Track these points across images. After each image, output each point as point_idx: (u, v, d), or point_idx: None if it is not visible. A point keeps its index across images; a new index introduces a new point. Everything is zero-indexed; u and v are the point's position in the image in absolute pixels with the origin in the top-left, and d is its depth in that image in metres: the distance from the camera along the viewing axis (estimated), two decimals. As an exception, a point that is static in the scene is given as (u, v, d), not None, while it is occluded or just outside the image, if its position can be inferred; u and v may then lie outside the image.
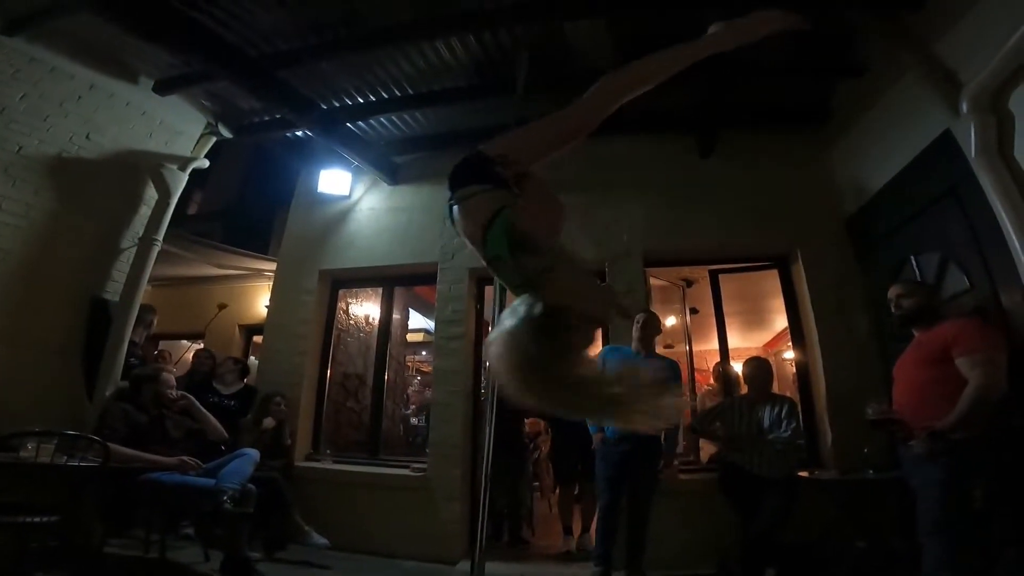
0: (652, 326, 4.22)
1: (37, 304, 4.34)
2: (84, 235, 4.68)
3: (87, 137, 4.66)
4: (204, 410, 4.34)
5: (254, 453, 3.98)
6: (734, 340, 5.65)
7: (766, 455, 3.89)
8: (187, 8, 3.82)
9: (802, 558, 3.75)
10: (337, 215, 6.02)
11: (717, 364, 6.76)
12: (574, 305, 1.47)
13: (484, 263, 1.67)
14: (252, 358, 7.02)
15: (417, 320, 8.47)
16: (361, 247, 5.83)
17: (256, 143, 6.75)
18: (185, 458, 3.79)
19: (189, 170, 5.31)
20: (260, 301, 7.50)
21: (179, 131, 5.29)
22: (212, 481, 3.61)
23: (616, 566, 3.84)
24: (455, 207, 1.77)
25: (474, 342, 5.29)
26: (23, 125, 4.28)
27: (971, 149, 3.13)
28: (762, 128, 5.09)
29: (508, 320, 1.47)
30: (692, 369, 5.87)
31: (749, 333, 9.46)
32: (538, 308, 1.44)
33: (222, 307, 7.60)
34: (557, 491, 5.31)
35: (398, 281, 6.08)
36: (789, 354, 7.19)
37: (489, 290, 5.33)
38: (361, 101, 5.01)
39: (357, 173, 5.93)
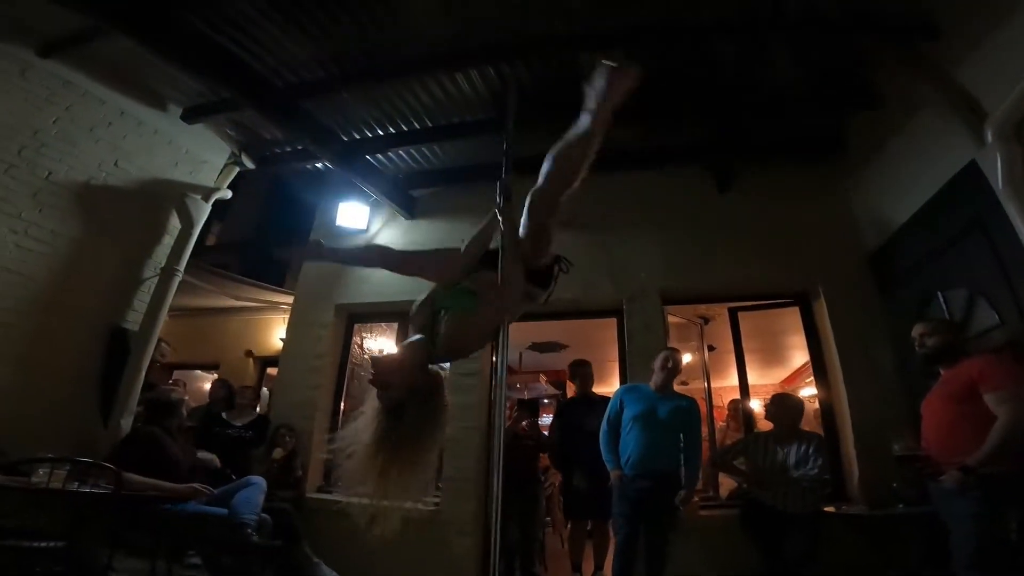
0: (675, 364, 4.17)
1: (57, 331, 4.36)
2: (107, 263, 4.73)
3: (115, 164, 4.75)
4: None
5: (262, 481, 3.93)
6: (752, 377, 5.56)
7: (792, 491, 3.82)
8: (219, 36, 3.94)
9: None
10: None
11: (733, 401, 6.66)
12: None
13: None
14: (265, 389, 7.00)
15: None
16: (377, 282, 5.82)
17: (275, 175, 6.86)
18: (197, 485, 3.74)
19: (212, 200, 5.38)
20: (275, 333, 7.53)
21: (203, 160, 5.39)
22: (225, 511, 3.56)
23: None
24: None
25: (489, 378, 5.24)
26: (54, 150, 4.36)
27: (998, 180, 3.09)
28: (780, 162, 5.09)
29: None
30: (711, 406, 5.77)
31: (766, 370, 9.36)
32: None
33: (249, 354, 7.65)
34: (568, 527, 5.18)
35: (414, 317, 6.05)
36: (807, 391, 7.08)
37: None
38: (380, 133, 5.10)
39: (375, 207, 5.98)
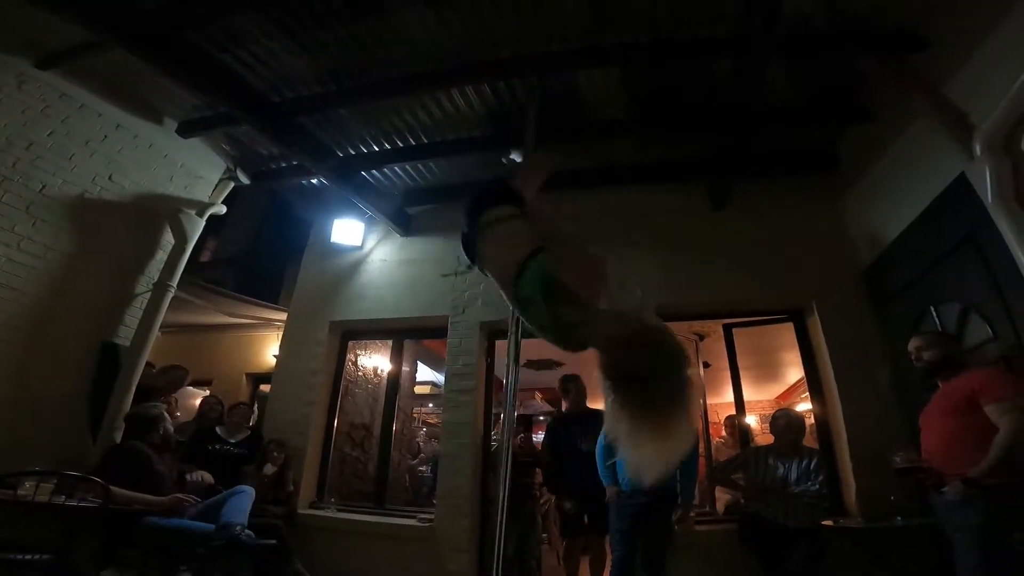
0: None
1: (47, 346, 4.32)
2: (99, 278, 4.70)
3: (110, 178, 4.74)
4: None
5: (250, 490, 3.90)
6: (747, 393, 5.56)
7: (793, 506, 3.81)
8: (218, 51, 3.97)
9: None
10: (349, 266, 6.05)
11: (728, 417, 6.64)
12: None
13: (506, 300, 1.65)
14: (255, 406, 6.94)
15: (425, 372, 8.41)
16: (372, 299, 5.83)
17: (270, 192, 6.88)
18: (180, 496, 3.70)
19: (207, 216, 5.37)
20: (268, 350, 7.48)
21: (199, 175, 5.39)
22: (211, 527, 3.51)
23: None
24: (480, 235, 1.76)
25: (484, 395, 5.23)
26: (48, 163, 4.35)
27: (987, 194, 3.10)
28: (774, 179, 5.14)
29: None
30: (707, 422, 5.75)
31: (761, 386, 9.39)
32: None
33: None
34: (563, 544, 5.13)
35: (408, 334, 6.07)
36: (802, 406, 7.07)
37: (500, 344, 5.31)
38: (376, 149, 5.12)
39: (370, 223, 6.00)
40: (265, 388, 7.01)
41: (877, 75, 3.95)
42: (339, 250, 6.05)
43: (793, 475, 3.94)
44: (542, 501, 5.62)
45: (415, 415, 8.96)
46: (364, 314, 5.80)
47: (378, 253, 6.04)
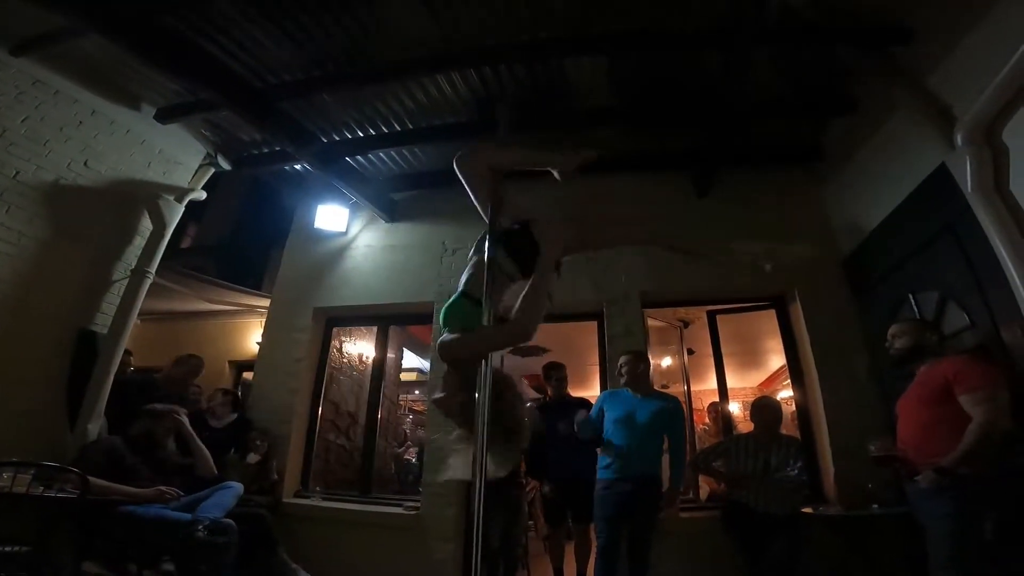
0: (634, 365, 4.20)
1: (23, 334, 4.22)
2: (75, 265, 4.59)
3: (85, 164, 4.63)
4: (196, 438, 4.16)
5: (238, 486, 3.87)
6: (730, 380, 5.60)
7: (772, 493, 3.86)
8: (198, 37, 3.88)
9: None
10: (333, 252, 6.00)
11: (712, 404, 6.71)
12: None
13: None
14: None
15: (411, 359, 8.38)
16: (357, 285, 5.78)
17: (253, 177, 6.76)
18: (163, 488, 3.66)
19: (186, 202, 5.27)
20: (251, 337, 7.41)
21: (178, 161, 5.29)
22: (189, 516, 3.46)
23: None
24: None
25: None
26: (22, 149, 4.24)
27: (967, 184, 3.14)
28: (757, 167, 5.16)
29: None
30: (691, 409, 5.81)
31: (744, 373, 9.47)
32: None
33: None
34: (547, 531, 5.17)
35: (393, 320, 6.03)
36: (783, 393, 7.16)
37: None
38: (361, 135, 5.06)
39: (354, 209, 5.95)
40: (248, 376, 6.94)
41: (861, 67, 3.95)
42: (323, 236, 6.00)
43: (773, 462, 3.97)
44: (528, 489, 5.64)
45: (401, 402, 8.95)
46: (349, 300, 5.76)
47: (363, 239, 5.99)
